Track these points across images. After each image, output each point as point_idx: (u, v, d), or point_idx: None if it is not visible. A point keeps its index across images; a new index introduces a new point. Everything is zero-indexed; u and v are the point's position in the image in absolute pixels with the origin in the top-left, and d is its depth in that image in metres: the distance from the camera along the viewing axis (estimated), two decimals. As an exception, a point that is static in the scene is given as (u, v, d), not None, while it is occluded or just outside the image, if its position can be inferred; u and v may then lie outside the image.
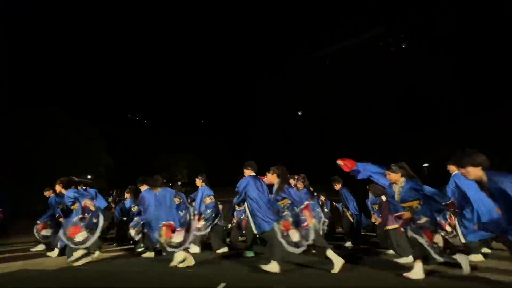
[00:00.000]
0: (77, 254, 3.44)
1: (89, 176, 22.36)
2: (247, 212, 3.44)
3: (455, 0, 34.45)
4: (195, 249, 4.35)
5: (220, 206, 5.51)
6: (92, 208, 3.62)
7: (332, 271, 2.91)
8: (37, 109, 19.46)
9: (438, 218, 3.21)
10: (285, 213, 3.20)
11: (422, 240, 2.69)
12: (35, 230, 4.94)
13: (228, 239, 5.47)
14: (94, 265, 3.57)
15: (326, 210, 5.84)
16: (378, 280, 2.81)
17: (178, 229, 3.53)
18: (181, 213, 4.43)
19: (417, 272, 2.71)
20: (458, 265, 2.72)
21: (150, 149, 29.49)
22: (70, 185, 3.81)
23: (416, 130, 30.66)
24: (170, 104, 50.71)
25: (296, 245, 2.98)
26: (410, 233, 2.80)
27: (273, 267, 2.92)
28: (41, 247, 4.95)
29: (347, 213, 5.50)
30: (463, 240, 3.63)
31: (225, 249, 4.61)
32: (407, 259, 3.52)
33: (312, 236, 2.98)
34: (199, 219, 4.40)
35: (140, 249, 4.62)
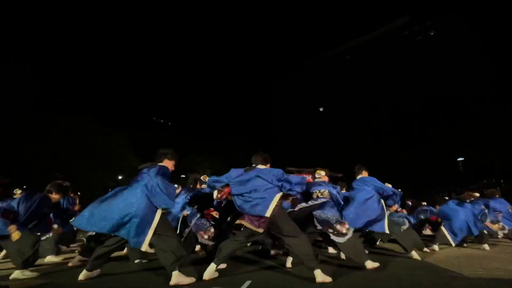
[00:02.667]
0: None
1: (120, 177, 23.87)
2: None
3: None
4: None
5: None
6: None
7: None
8: (74, 118, 21.16)
9: None
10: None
11: None
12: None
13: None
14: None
15: None
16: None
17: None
18: None
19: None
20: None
21: (175, 150, 30.50)
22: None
23: (448, 124, 28.77)
24: (192, 106, 52.03)
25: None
26: None
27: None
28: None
29: None
30: None
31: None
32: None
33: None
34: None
35: None
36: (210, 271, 2.66)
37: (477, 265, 3.28)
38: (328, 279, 2.52)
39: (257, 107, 55.40)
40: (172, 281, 2.50)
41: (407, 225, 3.90)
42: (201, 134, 39.36)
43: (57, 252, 4.27)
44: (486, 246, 4.46)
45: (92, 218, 2.56)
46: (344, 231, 2.97)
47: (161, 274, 2.78)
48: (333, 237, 3.01)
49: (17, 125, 18.01)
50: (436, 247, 4.45)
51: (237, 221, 2.86)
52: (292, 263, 3.24)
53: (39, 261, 3.82)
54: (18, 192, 3.98)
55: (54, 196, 3.53)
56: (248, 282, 2.56)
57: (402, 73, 39.78)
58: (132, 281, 2.79)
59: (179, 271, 2.56)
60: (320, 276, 2.53)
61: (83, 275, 2.67)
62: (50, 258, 4.03)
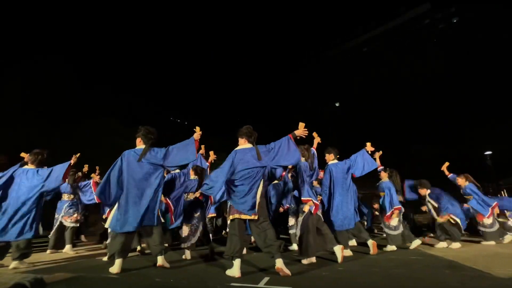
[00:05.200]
0: None
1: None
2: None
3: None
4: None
5: None
6: None
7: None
8: (96, 120, 22.27)
9: None
10: None
11: None
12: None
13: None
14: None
15: None
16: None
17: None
18: None
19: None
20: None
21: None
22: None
23: (475, 117, 27.19)
24: (208, 105, 52.64)
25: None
26: None
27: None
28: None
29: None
30: None
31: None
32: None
33: None
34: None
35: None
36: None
37: (508, 264, 3.10)
38: (287, 272, 2.63)
39: (273, 102, 55.04)
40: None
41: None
42: (217, 132, 39.84)
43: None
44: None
45: None
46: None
47: (186, 269, 2.85)
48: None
49: (43, 127, 19.12)
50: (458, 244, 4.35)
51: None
52: (307, 260, 3.26)
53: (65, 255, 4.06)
54: None
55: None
56: (266, 279, 2.59)
57: (423, 65, 38.03)
58: (152, 275, 2.88)
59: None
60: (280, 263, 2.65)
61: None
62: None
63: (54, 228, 4.55)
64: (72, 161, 3.73)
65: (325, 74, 50.73)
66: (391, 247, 4.20)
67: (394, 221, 4.28)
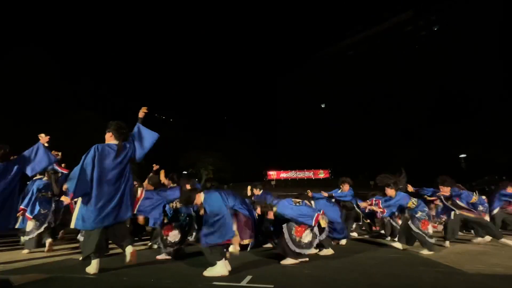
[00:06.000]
0: None
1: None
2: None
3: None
4: None
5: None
6: None
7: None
8: (78, 114, 21.32)
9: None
10: None
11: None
12: None
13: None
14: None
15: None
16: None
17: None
18: None
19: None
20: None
21: (177, 147, 30.55)
22: None
23: (452, 120, 28.52)
24: (194, 102, 51.97)
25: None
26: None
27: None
28: None
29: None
30: None
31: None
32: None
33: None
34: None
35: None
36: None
37: (477, 261, 3.29)
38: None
39: (260, 103, 55.20)
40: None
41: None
42: (203, 130, 39.41)
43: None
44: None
45: None
46: None
47: (166, 268, 2.80)
48: None
49: (20, 119, 18.19)
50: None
51: None
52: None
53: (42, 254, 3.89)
54: None
55: None
56: (248, 277, 2.60)
57: (405, 69, 39.39)
58: (132, 275, 2.82)
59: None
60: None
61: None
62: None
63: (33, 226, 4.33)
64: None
65: (313, 76, 51.45)
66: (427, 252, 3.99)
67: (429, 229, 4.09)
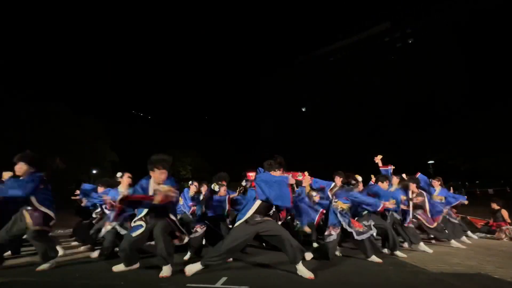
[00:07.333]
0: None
1: (94, 171, 22.76)
2: None
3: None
4: None
5: None
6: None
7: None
8: (41, 105, 19.55)
9: None
10: None
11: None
12: None
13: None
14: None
15: None
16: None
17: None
18: None
19: None
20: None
21: (155, 145, 29.67)
22: None
23: (421, 128, 30.31)
24: (174, 100, 50.79)
25: None
26: None
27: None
28: None
29: None
30: None
31: None
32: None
33: None
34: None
35: None
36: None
37: (440, 261, 3.50)
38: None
39: (241, 104, 55.20)
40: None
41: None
42: (182, 129, 38.63)
43: None
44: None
45: None
46: None
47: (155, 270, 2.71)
48: None
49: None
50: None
51: None
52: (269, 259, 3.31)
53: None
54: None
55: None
56: (223, 279, 2.58)
57: (381, 78, 41.33)
58: (102, 278, 2.70)
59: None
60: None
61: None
62: None
63: None
64: None
65: (294, 80, 52.34)
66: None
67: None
